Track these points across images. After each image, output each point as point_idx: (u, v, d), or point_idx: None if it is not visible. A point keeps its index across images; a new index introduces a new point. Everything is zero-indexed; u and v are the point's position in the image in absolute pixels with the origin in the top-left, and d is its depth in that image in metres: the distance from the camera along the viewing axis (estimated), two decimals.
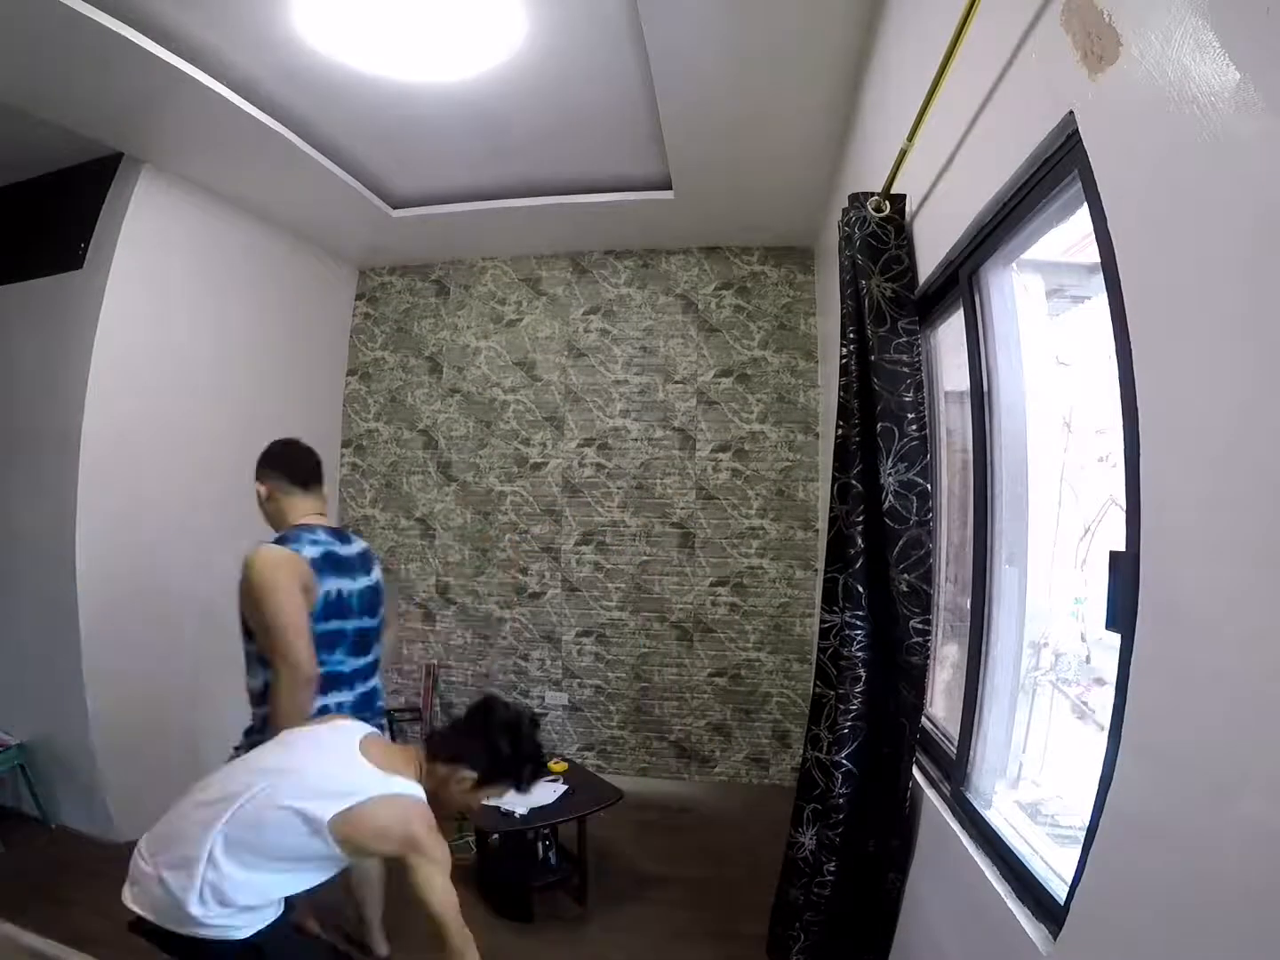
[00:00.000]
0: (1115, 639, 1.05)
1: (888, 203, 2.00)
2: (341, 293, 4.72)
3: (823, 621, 2.12)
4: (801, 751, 2.27)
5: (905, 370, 1.90)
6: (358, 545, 2.31)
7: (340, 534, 2.26)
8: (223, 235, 3.74)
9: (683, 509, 4.24)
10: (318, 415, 4.53)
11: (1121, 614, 1.01)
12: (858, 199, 2.06)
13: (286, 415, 4.16)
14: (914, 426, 1.87)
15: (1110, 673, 1.09)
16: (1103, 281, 1.07)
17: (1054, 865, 1.34)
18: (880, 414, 1.89)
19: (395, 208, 3.98)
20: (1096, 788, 1.06)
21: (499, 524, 4.44)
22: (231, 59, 2.71)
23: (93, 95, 2.74)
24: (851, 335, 2.04)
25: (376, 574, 2.34)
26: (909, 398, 1.88)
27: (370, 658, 2.27)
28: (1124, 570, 1.00)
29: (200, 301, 3.63)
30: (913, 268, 2.00)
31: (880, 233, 2.00)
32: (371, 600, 2.27)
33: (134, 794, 3.15)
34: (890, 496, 1.86)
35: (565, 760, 3.22)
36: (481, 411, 4.54)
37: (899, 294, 1.96)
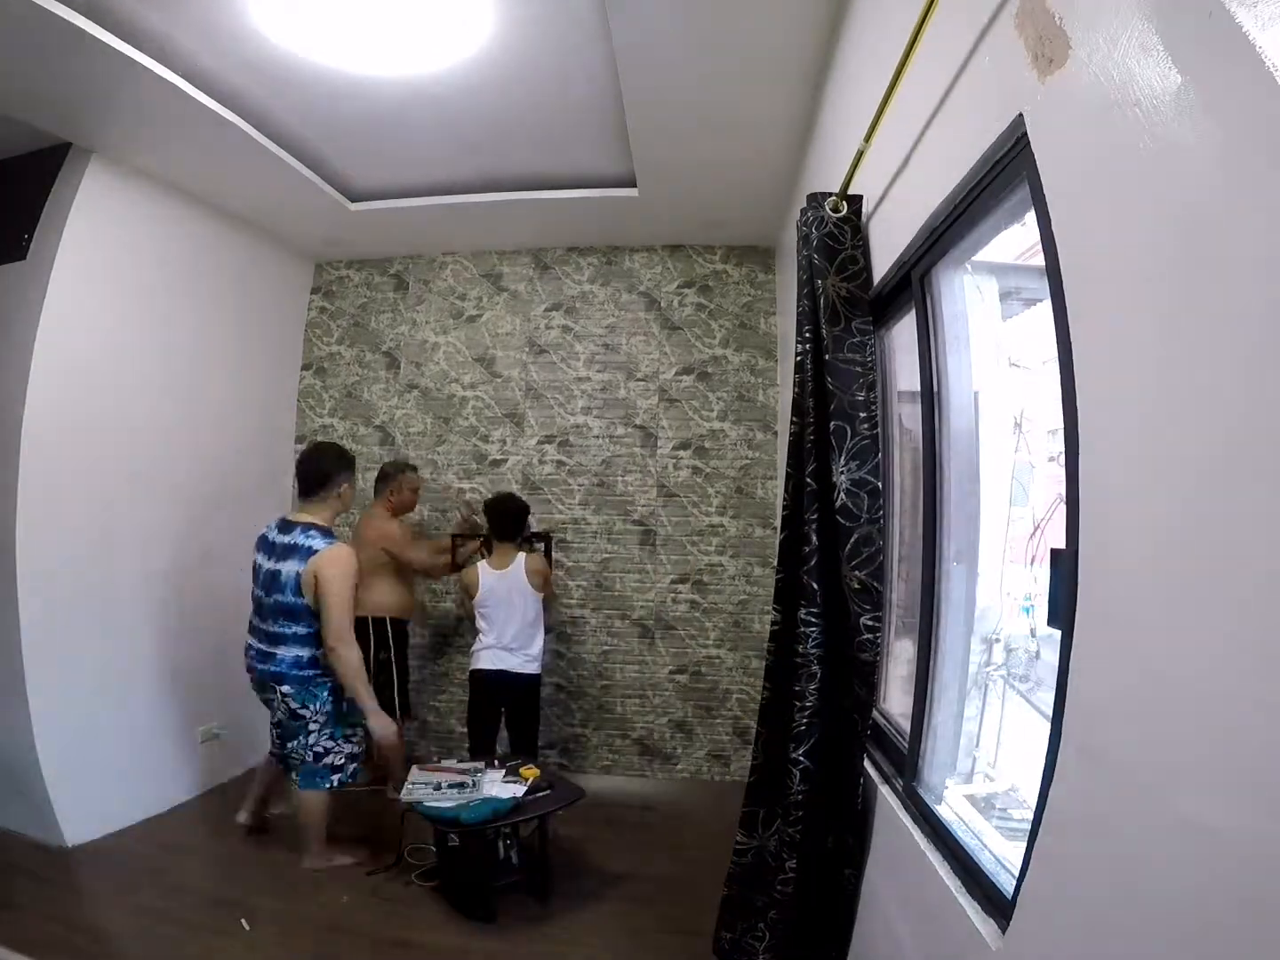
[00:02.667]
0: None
1: (845, 203, 2.01)
2: (296, 286, 4.60)
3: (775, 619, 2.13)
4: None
5: (858, 369, 1.91)
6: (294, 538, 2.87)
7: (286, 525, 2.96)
8: (173, 227, 3.62)
9: (644, 506, 4.23)
10: (271, 410, 4.42)
11: (1062, 610, 1.02)
12: (816, 199, 2.06)
13: (239, 410, 4.07)
14: (866, 425, 1.88)
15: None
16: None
17: (1004, 860, 1.36)
18: (833, 412, 1.90)
19: (354, 201, 3.89)
20: (1039, 783, 1.07)
21: (457, 520, 4.38)
22: (184, 47, 2.62)
23: (39, 83, 2.63)
24: (807, 334, 2.04)
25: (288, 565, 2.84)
26: (861, 397, 1.90)
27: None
28: (1064, 567, 1.02)
29: (149, 294, 3.51)
30: (868, 268, 2.01)
31: (837, 233, 2.01)
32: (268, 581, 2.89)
33: (80, 798, 3.04)
34: (842, 494, 1.87)
35: (535, 766, 3.15)
36: (440, 408, 4.47)
37: (854, 294, 1.97)
